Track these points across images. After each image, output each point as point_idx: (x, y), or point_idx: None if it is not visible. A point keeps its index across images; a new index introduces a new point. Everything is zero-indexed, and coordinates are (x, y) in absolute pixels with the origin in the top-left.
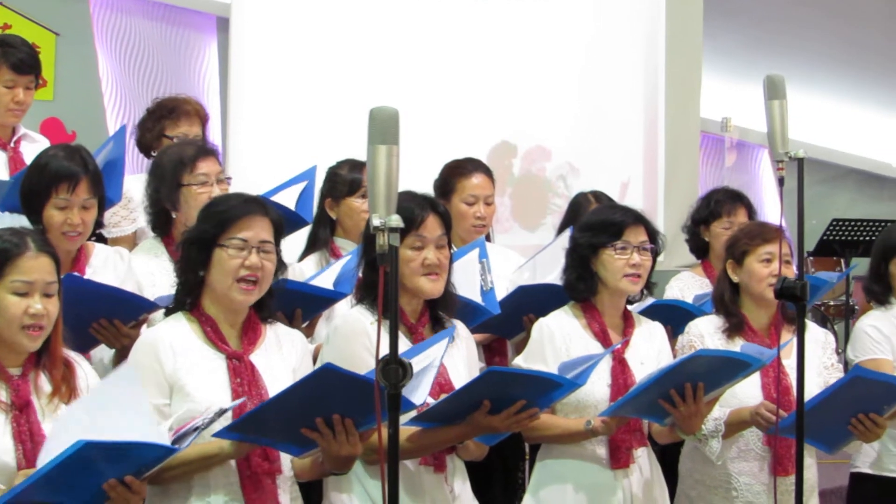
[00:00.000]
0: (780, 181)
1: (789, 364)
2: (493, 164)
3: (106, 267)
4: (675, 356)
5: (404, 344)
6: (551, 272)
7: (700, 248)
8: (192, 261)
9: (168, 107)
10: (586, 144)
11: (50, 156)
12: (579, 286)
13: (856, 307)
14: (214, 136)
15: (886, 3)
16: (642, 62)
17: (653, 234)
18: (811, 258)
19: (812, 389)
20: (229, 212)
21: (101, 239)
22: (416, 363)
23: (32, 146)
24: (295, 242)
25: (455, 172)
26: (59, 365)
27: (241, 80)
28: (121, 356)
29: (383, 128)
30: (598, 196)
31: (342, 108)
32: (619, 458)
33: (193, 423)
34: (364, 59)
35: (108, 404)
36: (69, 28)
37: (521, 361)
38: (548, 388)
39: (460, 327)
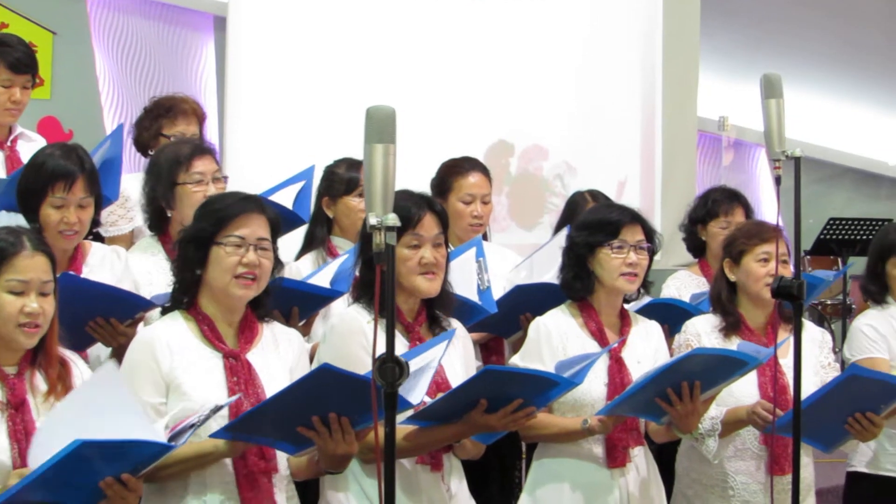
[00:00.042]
0: (777, 180)
1: (786, 363)
2: (491, 163)
3: (103, 266)
4: (671, 355)
5: (401, 343)
6: (548, 271)
7: (697, 247)
8: (190, 259)
9: (165, 106)
10: (583, 143)
11: (46, 154)
12: (576, 285)
13: (853, 306)
14: (211, 135)
15: (884, 3)
16: (639, 61)
17: (649, 233)
18: (808, 257)
19: (809, 388)
20: (226, 210)
21: (99, 238)
22: (415, 363)
23: (29, 145)
24: (291, 241)
25: (452, 171)
26: (54, 363)
27: (238, 79)
28: (117, 354)
29: (380, 127)
30: (595, 195)
31: (339, 107)
32: (615, 457)
33: (189, 420)
34: (361, 58)
35: (94, 405)
36: (66, 27)
37: (517, 360)
38: (544, 387)
39: (457, 326)
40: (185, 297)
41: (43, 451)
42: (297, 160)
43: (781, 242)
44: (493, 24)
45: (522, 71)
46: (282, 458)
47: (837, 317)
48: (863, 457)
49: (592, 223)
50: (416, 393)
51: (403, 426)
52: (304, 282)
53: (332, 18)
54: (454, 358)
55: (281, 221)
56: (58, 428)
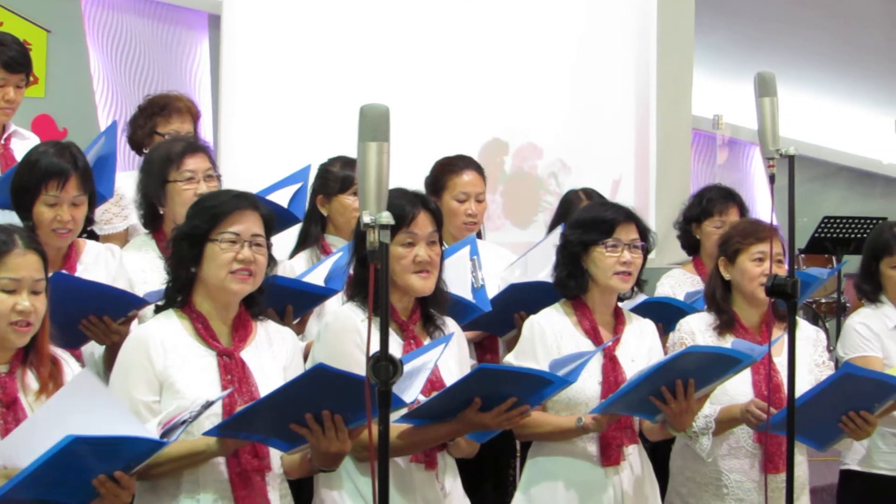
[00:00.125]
0: (771, 178)
1: (780, 361)
2: (485, 161)
3: (97, 264)
4: (666, 353)
5: (395, 342)
6: (542, 269)
7: (691, 246)
8: (184, 257)
9: (160, 104)
10: (578, 142)
11: (40, 153)
12: (570, 283)
13: (847, 304)
14: (206, 133)
15: (879, 2)
16: (634, 59)
17: (644, 232)
18: (802, 256)
19: (803, 387)
20: (220, 207)
21: (93, 236)
22: (411, 365)
23: (23, 143)
24: (285, 240)
25: (446, 170)
26: (46, 362)
27: (233, 77)
28: (111, 352)
29: (374, 125)
30: (589, 193)
31: (334, 105)
32: (609, 456)
33: (181, 416)
34: (355, 56)
35: (76, 407)
36: (61, 25)
37: (512, 359)
38: (539, 386)
39: (451, 324)
40: (179, 295)
41: (18, 452)
42: (291, 158)
43: (777, 242)
44: (487, 22)
45: (517, 69)
46: (275, 456)
47: (832, 315)
48: (856, 455)
49: (587, 221)
50: (411, 392)
51: (398, 424)
52: (299, 280)
53: (326, 17)
54: (448, 356)
55: (275, 219)
56: (38, 429)
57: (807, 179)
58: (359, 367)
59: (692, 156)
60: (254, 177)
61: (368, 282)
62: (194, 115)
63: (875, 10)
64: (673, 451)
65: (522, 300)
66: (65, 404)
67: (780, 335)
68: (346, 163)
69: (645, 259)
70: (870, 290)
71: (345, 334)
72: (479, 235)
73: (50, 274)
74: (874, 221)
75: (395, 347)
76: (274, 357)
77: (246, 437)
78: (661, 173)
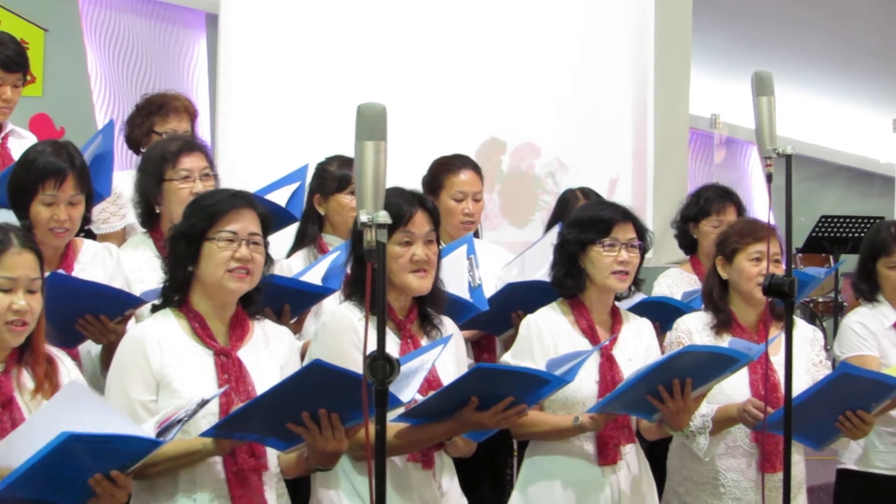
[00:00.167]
0: (769, 178)
1: (777, 360)
2: (482, 160)
3: (94, 263)
4: (663, 353)
5: (393, 341)
6: (539, 269)
7: (688, 245)
8: (181, 256)
9: (157, 103)
10: (575, 141)
11: (37, 152)
12: (567, 283)
13: (844, 304)
14: (203, 132)
15: (876, 2)
16: (631, 59)
17: (641, 231)
18: (800, 255)
19: (800, 386)
20: (217, 205)
21: (91, 235)
22: (409, 366)
23: (20, 142)
24: (283, 239)
25: (443, 169)
26: (41, 361)
27: (230, 76)
28: (108, 352)
29: (371, 124)
30: (586, 192)
31: (331, 105)
32: (606, 455)
33: (176, 415)
34: (353, 55)
35: (68, 412)
36: (58, 24)
37: (509, 358)
38: (536, 385)
39: (449, 324)
40: (176, 294)
41: (13, 454)
42: (288, 157)
43: (775, 242)
44: (484, 21)
45: (514, 68)
46: (272, 455)
47: (829, 314)
48: (852, 454)
49: (584, 221)
50: (408, 391)
51: (395, 424)
52: (296, 279)
53: (324, 16)
54: (446, 356)
55: (272, 218)
56: (33, 430)
57: (804, 179)
58: (356, 367)
59: (689, 155)
60: (251, 176)
61: (366, 281)
62: (192, 115)
63: (872, 10)
64: (670, 450)
65: (519, 299)
66: (59, 407)
67: (777, 334)
68: (344, 162)
69: (642, 258)
70: (867, 289)
71: (342, 333)
72: (476, 235)
73: (47, 273)
74: (871, 221)
75: (393, 346)
76: (271, 356)
77: (242, 438)
78: (658, 172)
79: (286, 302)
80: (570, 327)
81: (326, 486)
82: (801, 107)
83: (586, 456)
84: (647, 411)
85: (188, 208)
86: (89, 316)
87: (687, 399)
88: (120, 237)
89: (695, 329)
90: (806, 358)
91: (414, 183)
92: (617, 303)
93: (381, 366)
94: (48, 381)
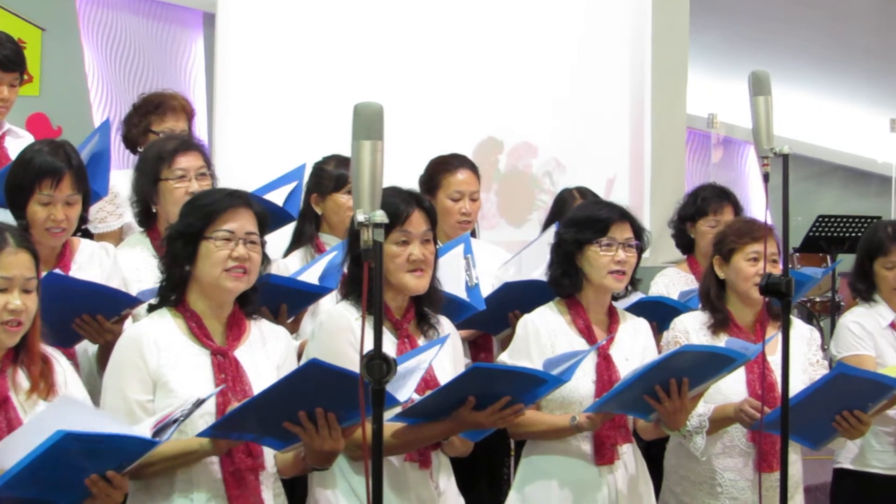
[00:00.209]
0: (766, 177)
1: (774, 360)
2: (480, 160)
3: (91, 263)
4: (660, 352)
5: (389, 340)
6: (536, 268)
7: (686, 244)
8: (178, 255)
9: (154, 102)
10: (572, 141)
11: (34, 151)
12: (564, 282)
13: (842, 303)
14: (201, 131)
15: (873, 1)
16: (629, 58)
17: (638, 231)
18: (797, 255)
19: (797, 386)
20: (214, 205)
21: (88, 234)
22: (406, 365)
23: (17, 142)
24: (280, 238)
25: (440, 168)
26: (36, 361)
27: (228, 75)
28: (104, 351)
29: (368, 123)
30: (583, 192)
31: (329, 104)
32: (603, 455)
33: (172, 415)
34: (351, 54)
35: (66, 413)
36: (55, 23)
37: (506, 358)
38: (532, 385)
39: (446, 323)
40: (172, 293)
41: (7, 457)
42: (286, 156)
43: (772, 241)
44: (482, 21)
45: (512, 68)
46: (268, 455)
47: (826, 314)
48: (849, 453)
49: (581, 220)
50: (405, 391)
51: (392, 423)
52: (293, 278)
53: (321, 15)
54: (443, 355)
55: (269, 217)
56: (28, 432)
57: (801, 178)
58: (353, 366)
59: (687, 154)
60: (248, 175)
61: (362, 280)
62: (189, 114)
63: (869, 10)
64: (667, 449)
65: (516, 299)
66: (53, 413)
67: (774, 334)
68: (340, 161)
69: (639, 258)
70: (863, 289)
71: (339, 333)
72: (473, 234)
73: (44, 273)
74: (869, 220)
75: (389, 346)
76: (267, 356)
77: (239, 437)
78: (655, 172)
79: (283, 301)
80: (567, 327)
81: (323, 486)
82: (798, 106)
83: (583, 456)
84: (644, 411)
85: (185, 207)
86: (86, 316)
87: (684, 399)
88: (117, 236)
89: (692, 328)
90: (803, 357)
91: (411, 182)
92: (614, 302)
93: (378, 365)
94: (44, 381)
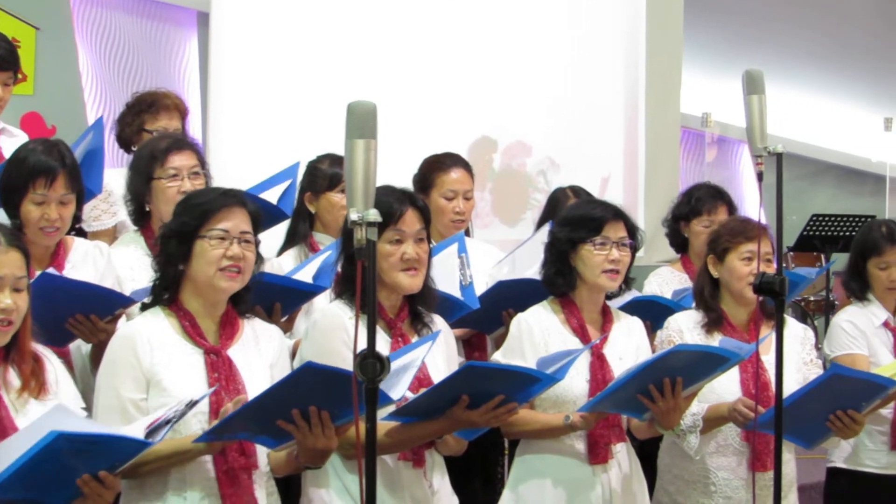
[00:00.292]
0: (759, 176)
1: (768, 360)
2: (474, 159)
3: (85, 262)
4: (653, 351)
5: (383, 339)
6: (530, 267)
7: (679, 244)
8: (172, 254)
9: (147, 101)
10: (567, 140)
11: (28, 150)
12: (558, 281)
13: (836, 302)
14: (195, 131)
15: (868, 0)
16: (623, 57)
17: (632, 230)
18: (791, 254)
19: (791, 385)
20: (209, 204)
21: (82, 232)
22: (398, 362)
23: (11, 141)
24: (273, 237)
25: (434, 167)
26: (27, 359)
27: (222, 75)
28: (98, 350)
29: (361, 122)
30: (577, 191)
31: (323, 103)
32: (597, 454)
33: (165, 415)
34: (345, 53)
35: (57, 425)
36: (49, 22)
37: (499, 356)
38: (526, 383)
39: (440, 322)
40: (166, 292)
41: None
42: (280, 156)
43: (766, 241)
44: (476, 19)
45: (506, 67)
46: (262, 454)
47: (820, 313)
48: (842, 452)
49: (575, 219)
50: (398, 389)
51: (385, 422)
52: (287, 277)
53: (315, 14)
54: (436, 354)
55: (263, 216)
56: (21, 438)
57: (795, 177)
58: (346, 365)
59: (681, 154)
60: (242, 174)
61: (356, 279)
62: (182, 112)
63: (864, 8)
64: (661, 448)
65: (510, 297)
66: (48, 420)
67: (767, 333)
68: (334, 160)
69: (633, 257)
70: (857, 288)
71: (332, 332)
72: (467, 233)
73: (38, 273)
74: (863, 219)
75: (383, 345)
76: (261, 355)
77: (231, 438)
78: (649, 171)
79: (277, 300)
80: (561, 326)
81: (317, 485)
82: (792, 105)
83: (577, 455)
84: (638, 410)
85: (179, 206)
86: (80, 315)
87: (678, 398)
88: (111, 235)
89: (685, 327)
90: (797, 357)
91: (405, 181)
92: (608, 301)
93: (372, 364)
94: (35, 380)
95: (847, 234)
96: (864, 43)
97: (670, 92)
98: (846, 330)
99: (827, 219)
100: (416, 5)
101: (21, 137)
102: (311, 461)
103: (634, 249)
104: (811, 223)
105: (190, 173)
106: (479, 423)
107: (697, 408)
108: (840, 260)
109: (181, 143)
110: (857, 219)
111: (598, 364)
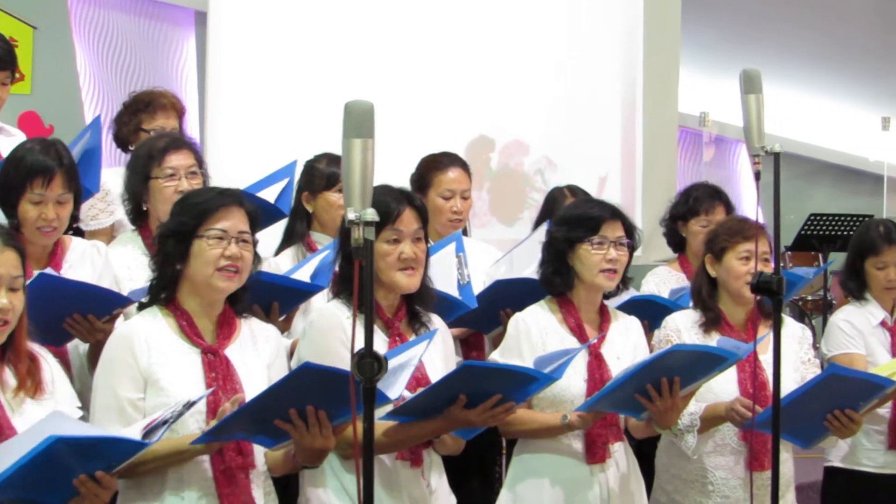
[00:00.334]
0: (757, 176)
1: (766, 359)
2: (471, 158)
3: (83, 261)
4: (651, 351)
5: (381, 339)
6: (528, 267)
7: (677, 243)
8: (170, 254)
9: (144, 100)
10: (564, 139)
11: (26, 150)
12: (555, 280)
13: (833, 302)
14: (192, 130)
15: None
16: (620, 56)
17: (630, 229)
18: (789, 253)
19: (789, 385)
20: (206, 203)
21: (79, 232)
22: (395, 361)
23: (9, 140)
24: (271, 236)
25: (431, 167)
26: (23, 359)
27: (219, 74)
28: (95, 350)
29: (358, 121)
30: (574, 190)
31: (320, 102)
32: (595, 453)
33: (162, 416)
34: (342, 52)
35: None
36: (47, 22)
37: (497, 356)
38: (524, 383)
39: (437, 321)
40: (163, 292)
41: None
42: (277, 155)
43: (764, 240)
44: (473, 19)
45: (503, 66)
46: (259, 453)
47: (818, 312)
48: (840, 452)
49: (572, 218)
50: (395, 388)
51: (383, 422)
52: (284, 276)
53: (312, 14)
54: (434, 353)
55: (260, 215)
56: (20, 441)
57: (793, 177)
58: (344, 364)
59: (678, 153)
60: (240, 173)
61: (353, 279)
62: (179, 112)
63: (861, 7)
64: (658, 448)
65: (508, 297)
66: (46, 426)
67: (765, 333)
68: (332, 159)
69: (631, 256)
70: (855, 287)
71: (330, 331)
72: (464, 232)
73: (35, 273)
74: (861, 219)
75: (381, 344)
76: (258, 354)
77: (228, 438)
78: (647, 170)
79: (275, 299)
80: (559, 325)
81: (315, 485)
82: (790, 104)
83: (575, 454)
84: (636, 409)
85: (177, 206)
86: (77, 315)
87: (675, 397)
88: (108, 234)
89: (683, 327)
90: (794, 356)
91: (402, 181)
92: (605, 301)
93: (369, 363)
94: (31, 379)
95: (845, 233)
96: (861, 42)
97: (668, 91)
98: (844, 329)
99: (824, 218)
100: (413, 5)
101: (18, 137)
102: (309, 461)
103: (632, 249)
104: (809, 223)
105: (187, 173)
106: (477, 422)
107: (695, 407)
108: (838, 259)
109: (179, 142)
110: (854, 218)
111: (596, 363)
